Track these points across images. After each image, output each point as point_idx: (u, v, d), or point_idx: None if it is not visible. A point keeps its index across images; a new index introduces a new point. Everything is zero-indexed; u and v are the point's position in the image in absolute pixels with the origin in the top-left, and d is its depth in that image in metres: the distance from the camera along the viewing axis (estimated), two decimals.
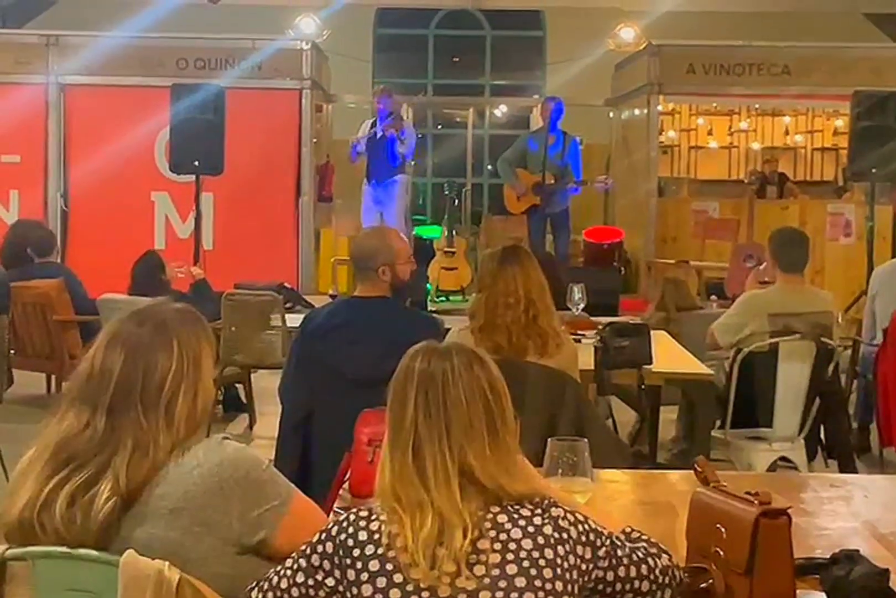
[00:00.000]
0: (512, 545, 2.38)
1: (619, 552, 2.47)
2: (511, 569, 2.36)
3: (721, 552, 2.56)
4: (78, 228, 13.65)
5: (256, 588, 2.50)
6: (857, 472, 6.65)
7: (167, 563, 2.43)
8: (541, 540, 2.39)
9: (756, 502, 2.53)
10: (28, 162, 13.81)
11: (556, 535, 2.40)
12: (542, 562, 2.37)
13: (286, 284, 12.06)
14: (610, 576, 2.46)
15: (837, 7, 17.81)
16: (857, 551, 2.65)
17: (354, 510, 2.47)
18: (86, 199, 13.81)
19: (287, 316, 8.33)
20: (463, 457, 2.44)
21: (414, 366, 2.54)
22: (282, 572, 2.47)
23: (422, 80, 20.30)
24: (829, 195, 16.04)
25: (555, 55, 19.22)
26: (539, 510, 2.43)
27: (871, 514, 3.38)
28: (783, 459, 6.47)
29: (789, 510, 2.54)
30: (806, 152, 18.23)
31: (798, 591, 2.55)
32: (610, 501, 3.46)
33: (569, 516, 2.45)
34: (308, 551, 2.45)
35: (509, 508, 2.43)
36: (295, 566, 2.45)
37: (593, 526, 2.46)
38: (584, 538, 2.43)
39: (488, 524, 2.40)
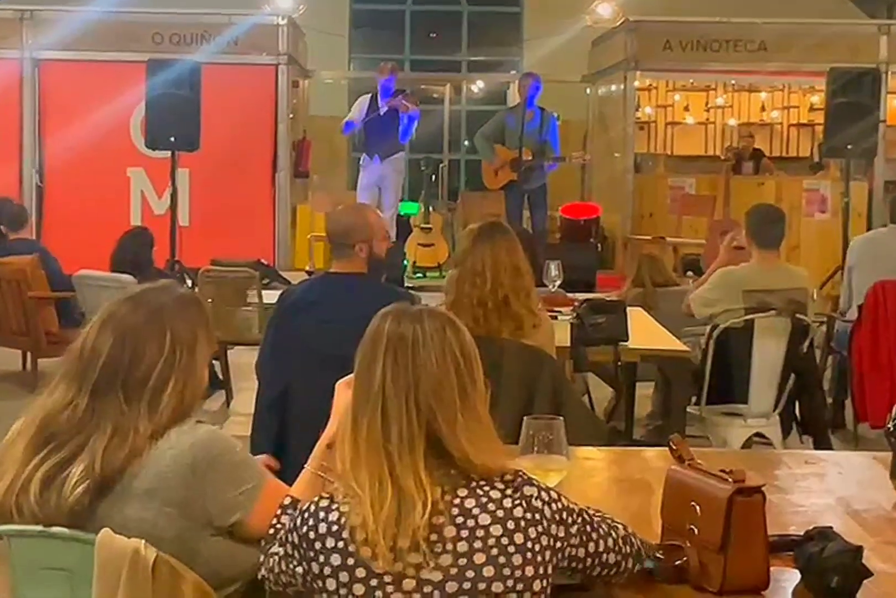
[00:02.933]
0: (480, 532, 2.32)
1: (589, 528, 2.45)
2: (479, 558, 2.31)
3: (695, 530, 2.57)
4: (53, 204, 13.60)
5: (262, 567, 2.50)
6: (831, 448, 6.69)
7: (143, 541, 2.43)
8: (510, 525, 2.33)
9: (730, 479, 2.54)
10: (2, 137, 13.75)
11: (529, 516, 2.35)
12: (511, 548, 2.32)
13: (263, 261, 12.08)
14: (581, 553, 2.44)
15: None
16: (831, 528, 2.65)
17: (317, 498, 2.41)
18: (61, 175, 13.75)
19: (264, 292, 8.31)
20: (431, 420, 2.37)
21: (384, 327, 2.47)
22: (272, 556, 2.47)
23: (398, 56, 20.20)
24: (805, 171, 16.05)
25: (532, 31, 19.17)
26: (510, 490, 2.37)
27: (845, 491, 3.39)
28: (758, 435, 6.50)
29: (763, 488, 2.55)
30: (782, 129, 18.22)
31: (772, 568, 2.56)
32: (585, 478, 3.47)
33: (542, 494, 2.39)
34: (283, 538, 2.43)
35: (478, 490, 2.36)
36: (279, 552, 2.44)
37: (566, 504, 2.43)
38: (557, 517, 2.39)
39: (455, 510, 2.33)
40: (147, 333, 2.66)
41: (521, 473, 2.42)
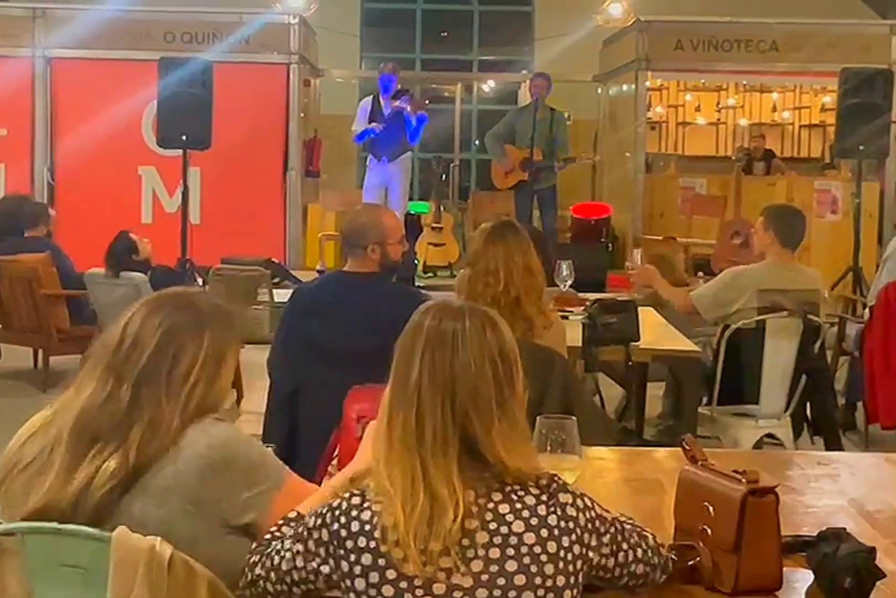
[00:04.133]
0: (513, 540, 2.27)
1: (620, 538, 2.39)
2: (511, 566, 2.26)
3: (708, 530, 2.57)
4: (65, 203, 13.60)
5: (259, 566, 2.44)
6: (843, 449, 6.67)
7: (159, 539, 2.43)
8: (544, 533, 2.28)
9: (743, 480, 2.54)
10: (14, 136, 13.77)
11: (563, 524, 2.30)
12: (543, 557, 2.27)
13: (273, 260, 12.07)
14: (611, 563, 2.38)
15: None
16: (844, 529, 2.65)
17: (347, 494, 2.35)
18: (73, 173, 13.77)
19: (275, 291, 8.35)
20: (467, 424, 2.32)
21: (424, 322, 2.41)
22: (281, 553, 2.40)
23: (410, 55, 20.22)
24: (816, 172, 16.04)
25: (543, 30, 19.16)
26: (545, 496, 2.32)
27: (857, 492, 3.39)
28: (769, 436, 6.48)
29: (776, 489, 2.55)
30: (793, 129, 18.20)
31: (785, 569, 2.56)
32: (597, 478, 3.47)
33: (577, 501, 2.34)
34: (305, 535, 2.36)
35: (512, 495, 2.30)
36: (294, 550, 2.37)
37: (600, 512, 2.38)
38: (590, 526, 2.34)
39: (489, 516, 2.28)
40: (191, 332, 2.68)
41: (556, 477, 2.38)
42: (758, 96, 18.09)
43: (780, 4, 16.39)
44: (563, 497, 2.33)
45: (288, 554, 2.39)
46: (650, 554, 2.46)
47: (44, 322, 8.93)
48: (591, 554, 2.34)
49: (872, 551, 2.51)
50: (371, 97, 13.18)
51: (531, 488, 2.32)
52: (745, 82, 17.35)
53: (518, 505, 2.30)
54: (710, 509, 2.57)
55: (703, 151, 18.02)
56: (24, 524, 2.54)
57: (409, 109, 12.74)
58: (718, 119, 18.30)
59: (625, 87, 15.21)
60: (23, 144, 13.82)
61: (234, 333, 2.80)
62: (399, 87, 13.08)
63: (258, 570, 2.44)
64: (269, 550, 2.45)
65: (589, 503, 2.36)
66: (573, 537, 2.30)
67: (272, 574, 2.42)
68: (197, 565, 2.47)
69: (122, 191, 13.60)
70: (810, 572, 2.53)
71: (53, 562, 2.53)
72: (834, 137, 11.97)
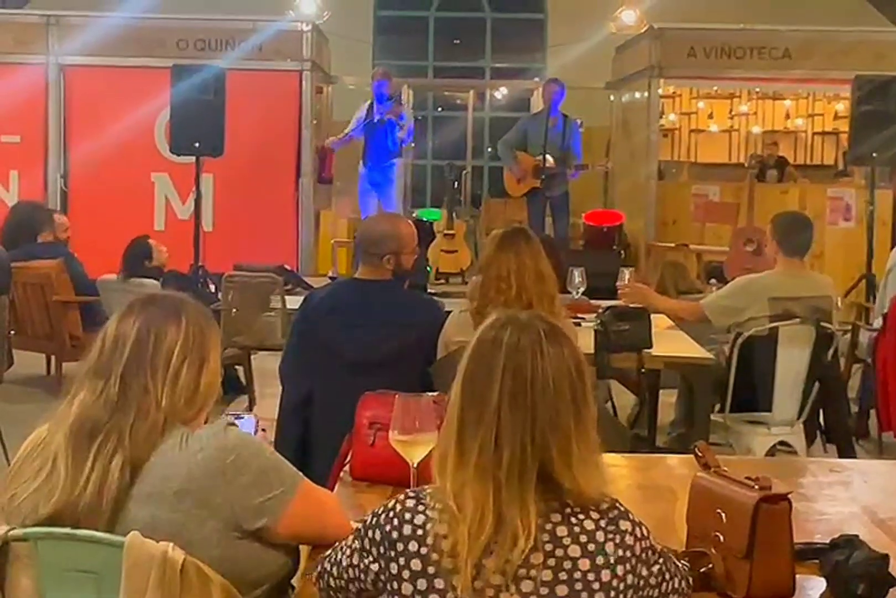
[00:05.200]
0: (567, 564, 2.22)
1: (664, 568, 2.36)
2: (561, 590, 2.21)
3: (721, 537, 2.57)
4: (78, 209, 13.60)
5: (327, 559, 2.44)
6: (856, 457, 6.66)
7: (171, 544, 2.43)
8: (600, 560, 2.23)
9: (756, 487, 2.54)
10: (28, 142, 13.78)
11: (619, 553, 2.25)
12: (595, 585, 2.22)
13: (286, 266, 12.06)
14: (655, 593, 2.34)
15: None
16: (857, 536, 2.65)
17: (402, 496, 2.33)
18: (86, 179, 13.78)
19: (287, 298, 8.34)
20: (546, 452, 2.25)
21: (502, 338, 2.32)
22: (343, 549, 2.39)
23: (422, 63, 20.25)
24: (830, 179, 16.01)
25: (556, 38, 19.17)
26: (604, 522, 2.27)
27: (870, 499, 3.39)
28: (782, 443, 6.48)
29: (789, 496, 2.54)
30: (806, 136, 18.17)
31: (797, 576, 2.56)
32: (609, 485, 3.46)
33: (636, 530, 2.30)
34: (362, 532, 2.35)
35: (572, 518, 2.25)
36: (354, 546, 2.36)
37: (652, 543, 2.33)
38: (644, 556, 2.30)
39: (546, 537, 2.23)
40: (167, 318, 2.71)
41: (617, 503, 2.33)
42: (771, 103, 18.07)
43: (793, 12, 16.38)
44: (623, 525, 2.29)
45: (348, 551, 2.38)
46: (685, 585, 2.42)
47: (57, 328, 8.94)
48: (641, 584, 2.29)
49: (885, 558, 2.51)
50: (367, 104, 13.23)
51: (592, 513, 2.28)
52: (757, 89, 17.32)
53: (577, 529, 2.26)
54: (723, 515, 2.57)
55: (716, 158, 18.01)
56: (37, 529, 2.54)
57: (388, 114, 12.80)
58: (731, 126, 18.29)
59: (637, 95, 15.19)
60: (36, 151, 13.83)
61: (212, 320, 2.83)
62: (391, 93, 13.12)
63: (325, 564, 2.45)
64: (340, 544, 2.43)
65: (645, 532, 2.32)
66: (627, 566, 2.26)
67: (334, 569, 2.42)
68: (209, 570, 2.47)
69: (135, 198, 13.60)
70: (823, 579, 2.54)
71: (66, 567, 2.53)
72: (847, 144, 11.96)
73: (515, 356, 2.30)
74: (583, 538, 2.24)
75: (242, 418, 3.12)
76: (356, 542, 2.37)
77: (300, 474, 2.73)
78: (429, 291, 11.30)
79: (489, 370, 2.30)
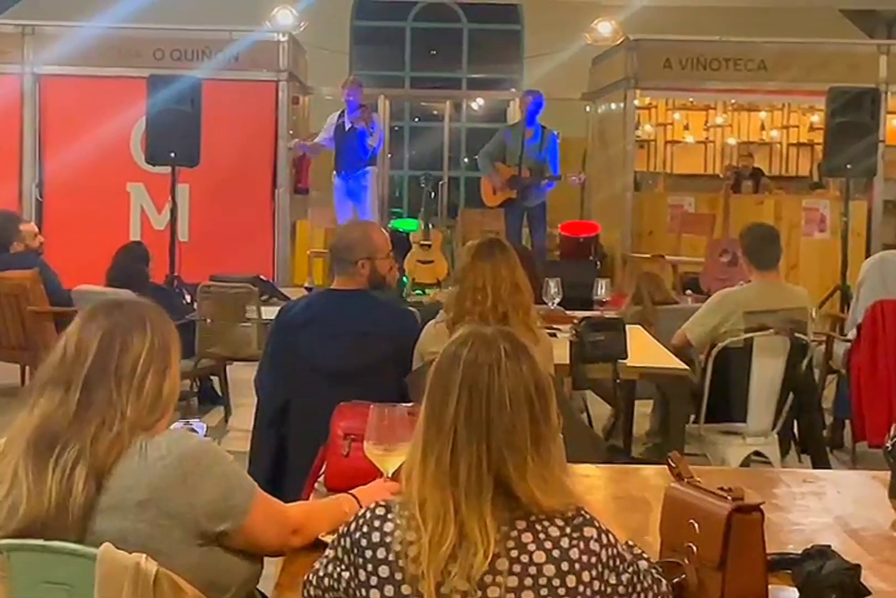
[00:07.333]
0: (532, 570, 2.24)
1: (636, 579, 2.35)
2: (527, 595, 2.23)
3: (694, 548, 2.57)
4: (53, 219, 13.58)
5: (311, 571, 2.44)
6: (830, 467, 6.68)
7: (144, 556, 2.43)
8: (565, 566, 2.25)
9: (729, 497, 2.54)
10: (3, 152, 13.73)
11: (585, 558, 2.27)
12: (561, 591, 2.24)
13: (262, 277, 12.05)
14: None
15: (814, 3, 17.86)
16: (829, 546, 2.66)
17: (373, 504, 2.36)
18: (61, 190, 13.75)
19: (263, 308, 8.32)
20: (501, 466, 2.28)
21: (461, 355, 2.34)
22: (322, 559, 2.41)
23: (399, 73, 20.28)
24: (805, 190, 16.08)
25: (532, 49, 19.22)
26: (569, 529, 2.28)
27: (843, 510, 3.39)
28: (757, 453, 6.49)
29: (762, 506, 2.55)
30: (782, 147, 18.23)
31: (770, 586, 2.56)
32: (584, 496, 3.46)
33: (602, 537, 2.31)
34: (336, 541, 2.37)
35: (536, 526, 2.27)
36: (329, 555, 2.38)
37: (620, 551, 2.35)
38: (611, 563, 2.31)
39: (511, 543, 2.25)
40: (131, 326, 2.70)
41: (583, 510, 2.34)
42: (746, 115, 18.13)
43: (769, 24, 16.47)
44: (588, 531, 2.30)
45: (325, 560, 2.40)
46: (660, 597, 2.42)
47: (31, 339, 8.90)
48: (608, 591, 2.30)
49: (857, 568, 2.51)
50: (339, 113, 13.24)
51: (557, 520, 2.30)
52: (733, 101, 17.39)
53: (542, 536, 2.27)
54: (696, 526, 2.57)
55: (692, 169, 18.05)
56: (9, 541, 2.53)
57: (359, 122, 12.83)
58: (707, 138, 18.33)
59: (613, 106, 15.24)
60: (11, 161, 13.79)
61: (172, 329, 2.81)
62: (362, 100, 13.13)
63: (309, 574, 2.46)
64: (323, 555, 2.44)
65: (613, 540, 2.33)
66: (594, 572, 2.27)
67: (314, 579, 2.43)
68: (182, 581, 2.47)
69: (111, 208, 13.57)
70: (795, 589, 2.54)
71: (39, 579, 2.52)
72: (822, 155, 12.00)
73: (472, 372, 2.32)
74: (547, 545, 2.26)
75: (191, 424, 3.14)
76: (331, 551, 2.39)
77: (253, 481, 2.75)
78: (405, 301, 11.31)
79: (447, 386, 2.33)
